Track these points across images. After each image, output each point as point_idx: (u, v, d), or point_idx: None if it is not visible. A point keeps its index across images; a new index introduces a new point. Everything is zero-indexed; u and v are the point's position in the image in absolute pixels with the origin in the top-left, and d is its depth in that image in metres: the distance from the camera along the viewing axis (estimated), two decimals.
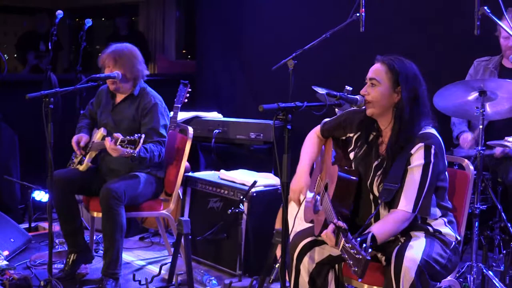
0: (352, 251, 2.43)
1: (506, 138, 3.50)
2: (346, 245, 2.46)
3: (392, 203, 2.76)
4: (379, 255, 2.88)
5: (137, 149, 3.62)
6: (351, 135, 3.01)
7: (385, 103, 2.81)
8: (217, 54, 6.53)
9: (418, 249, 2.66)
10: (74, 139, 4.07)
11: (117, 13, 8.47)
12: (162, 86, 4.41)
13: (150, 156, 3.85)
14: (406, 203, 2.71)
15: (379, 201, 2.78)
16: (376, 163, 2.86)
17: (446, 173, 2.87)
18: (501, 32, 3.90)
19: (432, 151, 2.71)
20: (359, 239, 2.52)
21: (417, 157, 2.72)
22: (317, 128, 3.17)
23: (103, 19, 10.81)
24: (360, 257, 2.39)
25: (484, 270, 3.48)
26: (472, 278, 3.41)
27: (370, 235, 2.59)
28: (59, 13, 4.98)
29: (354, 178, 2.88)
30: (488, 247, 3.81)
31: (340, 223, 2.57)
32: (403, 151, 2.75)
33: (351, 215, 2.85)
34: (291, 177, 2.76)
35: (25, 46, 7.98)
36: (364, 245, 2.46)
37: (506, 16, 3.49)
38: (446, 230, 2.82)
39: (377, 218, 2.82)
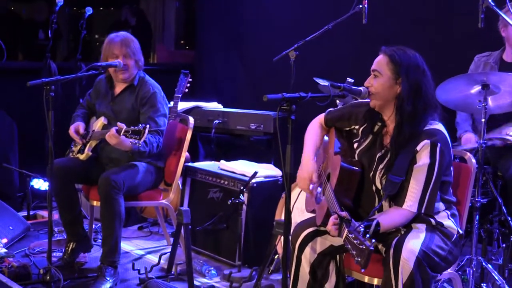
0: (355, 241, 2.43)
1: (507, 132, 3.50)
2: (349, 235, 2.46)
3: (395, 197, 2.76)
4: (380, 246, 2.89)
5: (142, 140, 3.59)
6: (357, 127, 3.00)
7: (387, 94, 2.79)
8: (217, 44, 6.51)
9: (417, 240, 2.67)
10: (72, 128, 4.06)
11: (116, 2, 8.44)
12: (161, 75, 4.39)
13: (149, 149, 3.84)
14: (411, 203, 2.71)
15: (382, 194, 2.78)
16: (379, 154, 2.85)
17: (451, 167, 2.87)
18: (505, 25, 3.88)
19: (438, 149, 2.69)
20: (363, 225, 2.52)
21: (423, 155, 2.70)
22: (321, 117, 3.15)
23: (101, 8, 10.76)
24: (364, 247, 2.39)
25: (484, 263, 3.49)
26: (471, 271, 3.41)
27: (375, 221, 2.61)
28: (59, 1, 4.96)
29: (356, 169, 2.88)
30: (488, 240, 3.82)
31: (343, 213, 2.58)
32: (409, 145, 2.73)
33: (354, 206, 2.85)
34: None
35: (24, 34, 7.96)
36: (368, 235, 2.46)
37: (509, 6, 3.48)
38: (449, 223, 2.82)
39: (380, 211, 2.83)
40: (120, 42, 4.02)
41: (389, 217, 2.71)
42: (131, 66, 4.05)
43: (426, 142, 2.71)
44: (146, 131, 3.58)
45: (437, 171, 2.70)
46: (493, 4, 3.34)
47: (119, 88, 4.14)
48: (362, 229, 2.48)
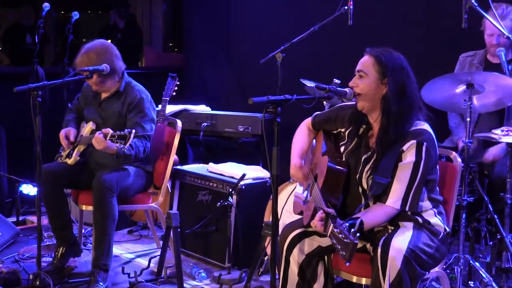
0: (340, 235, 2.47)
1: (492, 130, 3.53)
2: (335, 230, 2.50)
3: (380, 196, 2.79)
4: (368, 245, 2.91)
5: (128, 144, 3.58)
6: (343, 130, 3.02)
7: (373, 95, 2.82)
8: (205, 47, 6.52)
9: (404, 239, 2.69)
10: (63, 133, 4.05)
11: (104, 6, 8.43)
12: (149, 79, 4.39)
13: (135, 153, 3.82)
14: (394, 200, 2.74)
15: (369, 194, 2.80)
16: (365, 156, 2.88)
17: (437, 165, 2.90)
18: (486, 28, 3.91)
19: (424, 148, 2.73)
20: (348, 223, 2.56)
21: (409, 154, 2.74)
22: (308, 120, 3.18)
23: (89, 11, 10.73)
24: (348, 241, 2.43)
25: (471, 262, 3.51)
26: (459, 269, 3.44)
27: (359, 220, 2.64)
28: (46, 5, 4.96)
29: (343, 169, 2.90)
30: (475, 238, 3.85)
31: (329, 210, 2.61)
32: (395, 146, 2.76)
33: (340, 206, 2.88)
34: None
35: (11, 39, 7.94)
36: (353, 229, 2.50)
37: (494, 11, 3.51)
38: (435, 220, 2.85)
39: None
40: (84, 52, 3.95)
41: (372, 215, 2.75)
42: (98, 78, 3.96)
43: (412, 142, 2.74)
44: (132, 136, 3.57)
45: (422, 169, 2.73)
46: (476, 4, 3.37)
47: (105, 94, 4.13)
48: (346, 226, 2.52)
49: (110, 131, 3.63)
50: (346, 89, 2.87)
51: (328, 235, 2.55)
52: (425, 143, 2.73)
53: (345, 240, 2.44)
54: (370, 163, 2.84)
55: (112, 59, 3.98)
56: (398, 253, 2.62)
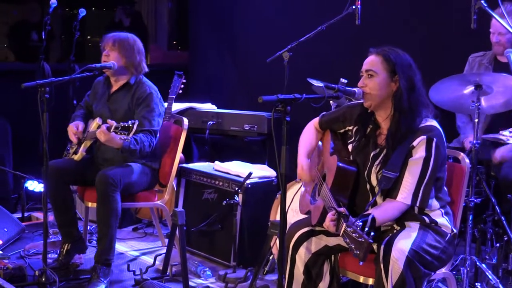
0: (354, 235, 2.47)
1: (500, 131, 3.52)
2: (348, 229, 2.50)
3: (390, 192, 2.79)
4: (375, 246, 2.90)
5: (131, 135, 3.60)
6: (350, 128, 3.03)
7: (383, 93, 2.83)
8: (211, 45, 6.51)
9: (408, 239, 2.69)
10: (72, 125, 4.06)
11: (109, 3, 8.42)
12: (155, 76, 4.39)
13: (140, 147, 3.84)
14: (405, 195, 2.74)
15: (377, 188, 2.81)
16: (374, 153, 2.88)
17: (445, 164, 2.90)
18: (491, 26, 3.92)
19: (434, 144, 2.74)
20: (360, 221, 2.55)
21: (419, 150, 2.75)
22: (316, 120, 3.19)
23: (93, 9, 10.72)
24: (363, 240, 2.43)
25: (478, 263, 3.51)
26: (465, 270, 3.43)
27: (370, 216, 2.64)
28: (53, 2, 4.96)
29: (352, 168, 2.90)
30: (481, 240, 3.84)
31: (340, 209, 2.61)
32: (405, 141, 2.78)
33: (349, 205, 2.87)
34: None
35: (16, 36, 7.93)
36: (366, 228, 2.50)
37: (503, 9, 3.50)
38: (442, 220, 2.85)
39: (374, 206, 2.85)
40: (112, 37, 4.07)
41: (383, 210, 2.75)
42: (114, 58, 4.04)
43: (422, 138, 2.75)
44: (135, 126, 3.59)
45: (432, 165, 2.74)
46: (485, 5, 3.36)
47: (115, 86, 4.16)
48: (360, 223, 2.52)
49: (114, 123, 3.66)
50: (355, 89, 2.87)
51: (340, 234, 2.55)
52: (435, 139, 2.75)
53: (359, 240, 2.44)
54: (379, 159, 2.85)
55: (137, 54, 4.14)
56: (401, 254, 2.61)
